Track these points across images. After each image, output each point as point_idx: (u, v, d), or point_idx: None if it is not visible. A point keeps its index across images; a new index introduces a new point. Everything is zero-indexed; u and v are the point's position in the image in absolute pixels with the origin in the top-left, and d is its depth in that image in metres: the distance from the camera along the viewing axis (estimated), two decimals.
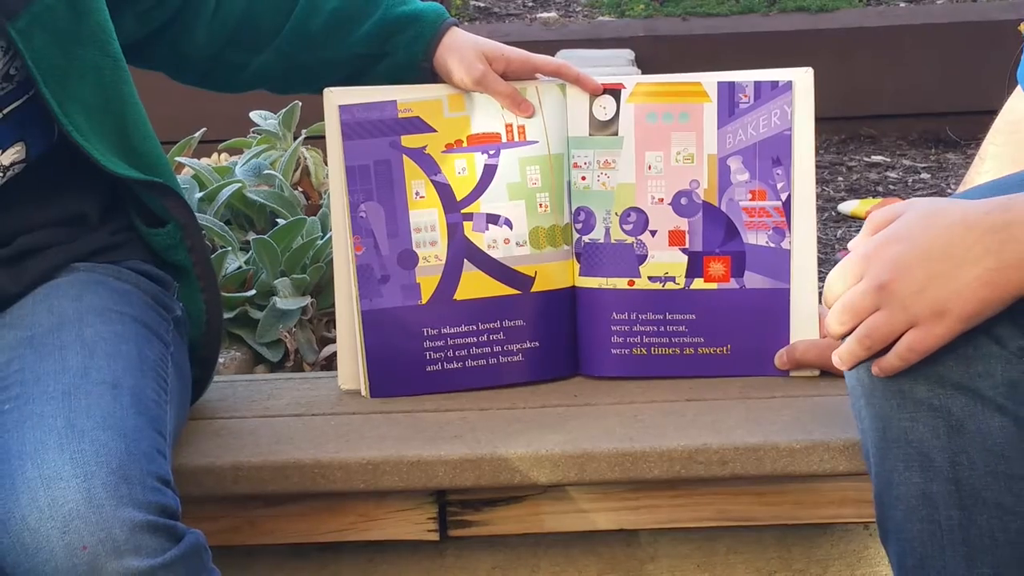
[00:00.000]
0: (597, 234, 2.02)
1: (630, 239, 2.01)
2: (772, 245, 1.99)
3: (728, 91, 1.98)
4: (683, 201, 2.00)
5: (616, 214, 2.01)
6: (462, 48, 1.98)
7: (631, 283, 2.02)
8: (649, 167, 2.00)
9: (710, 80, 1.99)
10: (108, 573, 1.51)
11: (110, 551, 1.51)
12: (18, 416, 1.61)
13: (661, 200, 2.01)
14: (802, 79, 1.98)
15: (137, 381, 1.68)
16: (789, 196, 1.98)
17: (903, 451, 1.52)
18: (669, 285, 2.01)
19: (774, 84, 1.97)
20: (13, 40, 1.74)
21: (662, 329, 2.01)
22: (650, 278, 2.01)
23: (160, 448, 1.64)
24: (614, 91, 2.00)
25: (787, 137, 1.98)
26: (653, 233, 2.01)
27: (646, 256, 2.01)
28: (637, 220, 2.01)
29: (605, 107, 2.00)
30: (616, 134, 2.00)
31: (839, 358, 1.52)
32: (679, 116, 1.99)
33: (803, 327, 1.99)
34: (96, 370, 1.66)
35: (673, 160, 2.00)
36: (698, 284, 2.01)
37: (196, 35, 1.99)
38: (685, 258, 2.00)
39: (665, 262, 2.01)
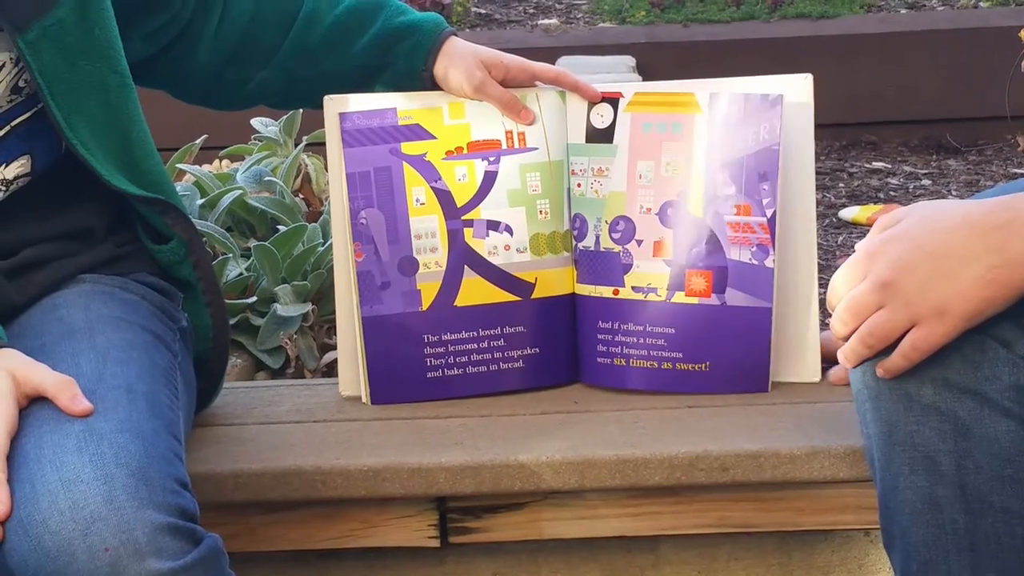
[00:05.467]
0: (589, 241, 2.01)
1: (617, 248, 2.00)
2: (755, 262, 1.95)
3: (719, 103, 1.96)
4: (669, 212, 1.98)
5: (606, 222, 2.00)
6: (461, 56, 1.98)
7: (616, 292, 2.00)
8: (640, 176, 1.99)
9: (703, 91, 1.97)
10: (130, 575, 1.51)
11: (132, 553, 1.50)
12: (35, 421, 1.61)
13: (648, 210, 1.98)
14: (801, 86, 1.97)
15: (150, 387, 1.68)
16: (775, 213, 1.94)
17: (909, 454, 1.52)
18: (651, 296, 1.98)
19: (764, 98, 1.95)
20: (22, 52, 1.74)
21: (641, 341, 1.98)
22: (633, 288, 1.99)
23: (176, 452, 1.64)
24: (613, 100, 2.00)
25: (775, 152, 1.94)
26: (639, 243, 1.99)
27: (631, 265, 1.99)
28: (625, 229, 2.00)
29: (603, 115, 2.00)
30: (611, 142, 2.00)
31: (843, 357, 1.53)
32: (672, 126, 1.98)
33: (786, 346, 1.97)
34: (111, 375, 1.66)
35: (662, 170, 1.99)
36: (679, 297, 1.97)
37: (199, 53, 1.99)
38: (668, 270, 1.97)
39: (648, 272, 1.98)
